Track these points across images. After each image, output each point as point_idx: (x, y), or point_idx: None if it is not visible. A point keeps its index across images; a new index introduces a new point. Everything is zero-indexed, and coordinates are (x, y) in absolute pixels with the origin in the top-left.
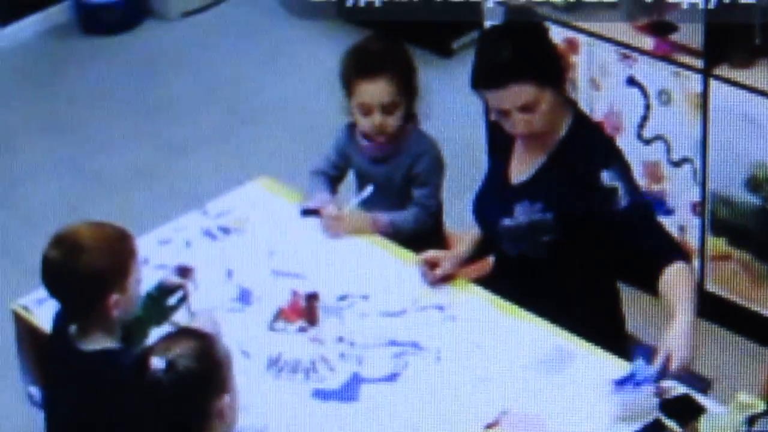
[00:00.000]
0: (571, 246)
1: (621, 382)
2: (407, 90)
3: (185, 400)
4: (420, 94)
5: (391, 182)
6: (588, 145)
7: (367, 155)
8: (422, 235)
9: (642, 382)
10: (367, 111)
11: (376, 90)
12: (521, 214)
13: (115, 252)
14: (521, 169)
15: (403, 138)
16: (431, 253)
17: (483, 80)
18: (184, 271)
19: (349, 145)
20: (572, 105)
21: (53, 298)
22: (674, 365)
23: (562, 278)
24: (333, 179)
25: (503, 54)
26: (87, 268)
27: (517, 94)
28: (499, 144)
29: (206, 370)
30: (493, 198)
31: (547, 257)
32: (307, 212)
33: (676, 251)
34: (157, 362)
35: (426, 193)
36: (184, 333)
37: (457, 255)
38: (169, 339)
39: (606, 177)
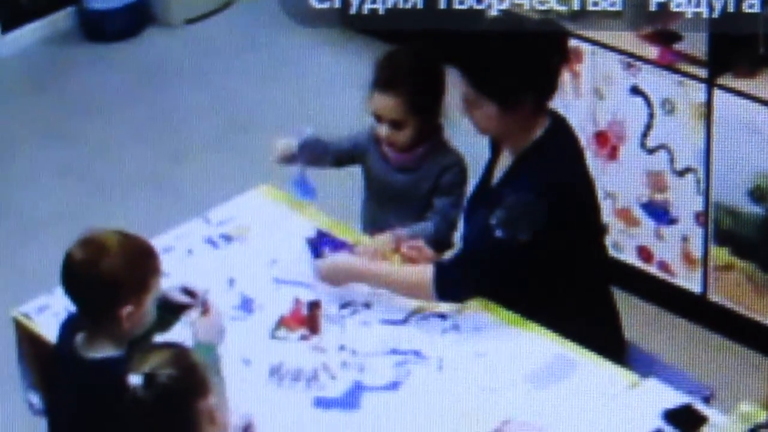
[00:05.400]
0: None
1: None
2: (421, 110)
3: (172, 406)
4: (442, 113)
5: (413, 193)
6: (549, 155)
7: (387, 162)
8: (435, 244)
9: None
10: (378, 119)
11: (385, 103)
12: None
13: (138, 264)
14: (498, 169)
15: (424, 151)
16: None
17: None
18: (190, 293)
19: (368, 146)
20: (550, 113)
21: (69, 297)
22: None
23: (548, 292)
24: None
25: None
26: (107, 271)
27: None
28: (492, 140)
29: (185, 373)
30: (474, 198)
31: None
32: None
33: (454, 281)
34: (134, 379)
35: (449, 202)
36: (154, 346)
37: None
38: (141, 354)
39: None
